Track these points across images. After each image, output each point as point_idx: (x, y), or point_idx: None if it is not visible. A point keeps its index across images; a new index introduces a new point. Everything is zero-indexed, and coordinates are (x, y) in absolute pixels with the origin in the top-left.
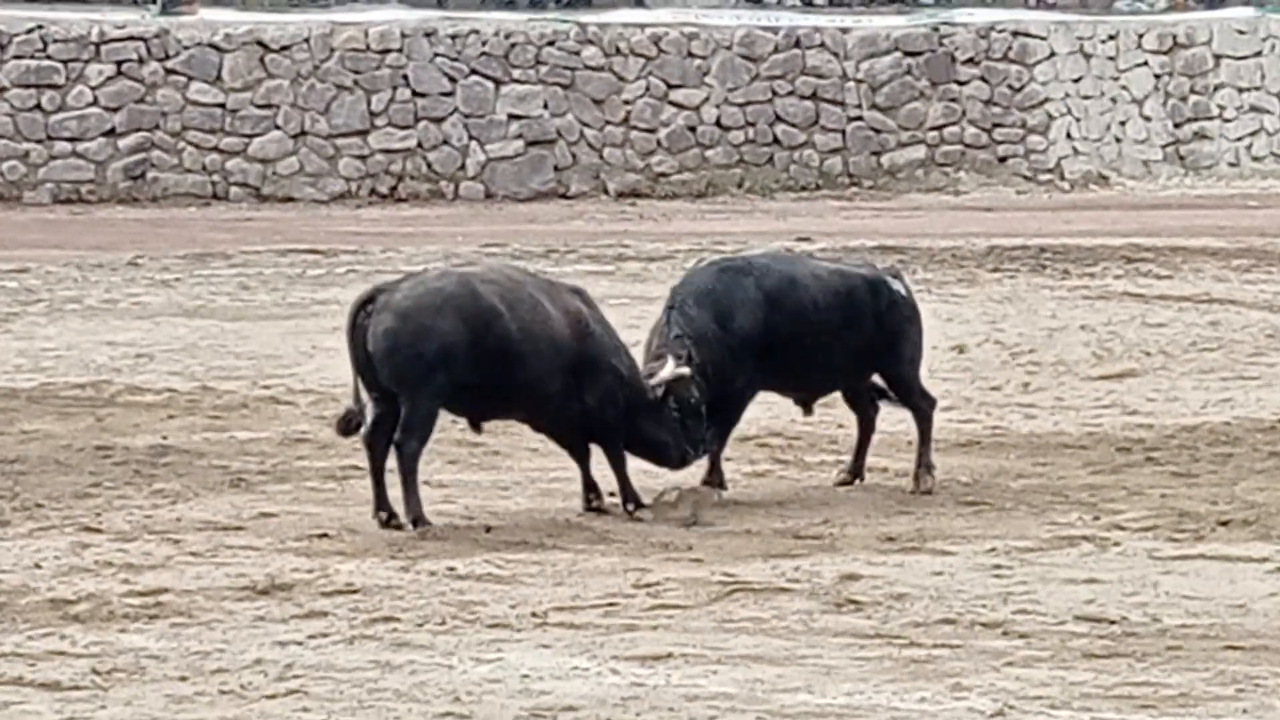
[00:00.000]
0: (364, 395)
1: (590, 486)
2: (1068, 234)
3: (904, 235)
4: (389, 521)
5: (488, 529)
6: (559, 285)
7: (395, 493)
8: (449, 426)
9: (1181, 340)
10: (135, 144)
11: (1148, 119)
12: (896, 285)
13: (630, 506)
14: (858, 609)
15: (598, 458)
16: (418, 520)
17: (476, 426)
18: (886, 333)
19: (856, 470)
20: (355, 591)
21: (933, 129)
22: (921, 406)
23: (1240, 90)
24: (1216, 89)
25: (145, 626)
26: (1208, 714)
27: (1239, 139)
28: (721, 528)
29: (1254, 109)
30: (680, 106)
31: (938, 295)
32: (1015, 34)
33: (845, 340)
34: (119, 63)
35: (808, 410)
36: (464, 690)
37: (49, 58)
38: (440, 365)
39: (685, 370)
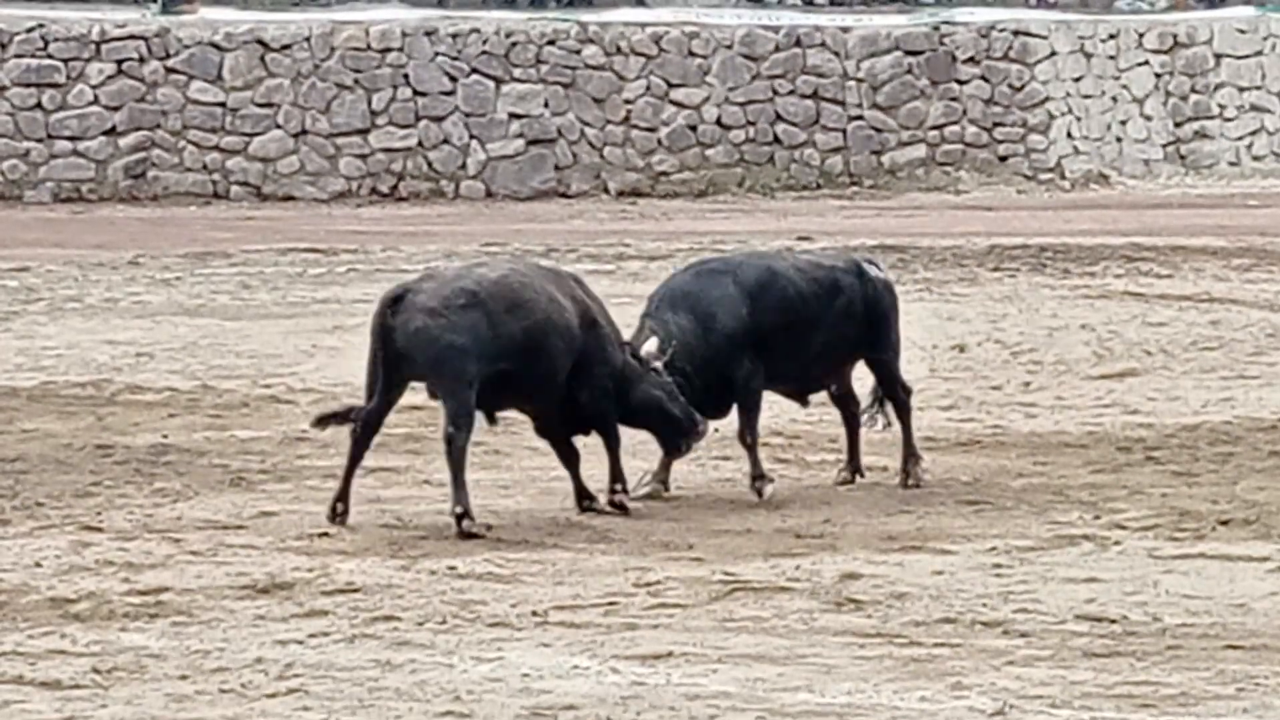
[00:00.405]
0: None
1: (583, 494)
2: (1068, 233)
3: (904, 234)
4: (339, 515)
5: (488, 528)
6: (563, 274)
7: (392, 491)
8: None
9: (1182, 339)
10: (136, 143)
11: (1148, 118)
12: (876, 272)
13: (617, 486)
14: (858, 608)
15: (590, 459)
16: (464, 514)
17: (491, 418)
18: (873, 319)
19: (855, 468)
20: (356, 590)
21: (933, 128)
22: (902, 397)
23: (1241, 89)
24: (1217, 88)
25: (146, 625)
26: (1208, 713)
27: (1239, 138)
28: (722, 527)
29: (1254, 108)
30: (681, 105)
31: (938, 294)
32: (1016, 33)
33: (832, 328)
34: (119, 61)
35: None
36: (464, 689)
37: (50, 56)
38: (473, 357)
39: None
